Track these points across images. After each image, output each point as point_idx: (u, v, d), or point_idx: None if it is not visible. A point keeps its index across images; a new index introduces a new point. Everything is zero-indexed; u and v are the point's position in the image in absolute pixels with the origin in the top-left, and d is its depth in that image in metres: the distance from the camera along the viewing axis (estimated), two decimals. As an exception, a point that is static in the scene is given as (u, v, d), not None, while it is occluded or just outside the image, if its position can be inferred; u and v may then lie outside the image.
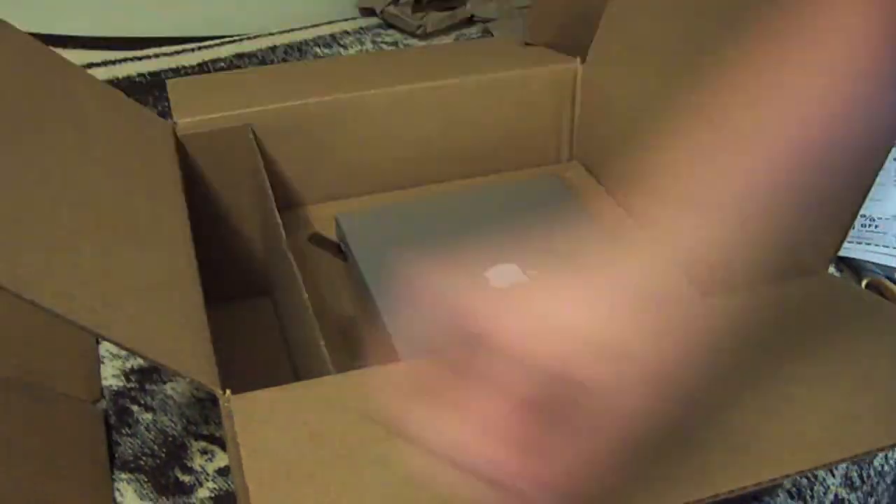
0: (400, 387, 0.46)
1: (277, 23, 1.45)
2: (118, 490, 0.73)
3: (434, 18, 1.44)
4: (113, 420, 0.79)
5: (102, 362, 0.84)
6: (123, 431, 0.78)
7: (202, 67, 1.34)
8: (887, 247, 0.94)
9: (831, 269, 0.66)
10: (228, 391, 0.50)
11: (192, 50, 1.38)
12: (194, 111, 0.80)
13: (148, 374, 0.83)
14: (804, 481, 0.76)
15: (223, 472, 0.75)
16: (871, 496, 0.77)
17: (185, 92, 0.84)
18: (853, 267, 0.95)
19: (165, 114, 0.79)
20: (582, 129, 0.92)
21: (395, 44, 1.43)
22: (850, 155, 0.52)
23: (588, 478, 0.39)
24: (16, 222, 0.50)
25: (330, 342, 0.57)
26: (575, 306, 0.42)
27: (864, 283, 0.90)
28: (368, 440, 0.48)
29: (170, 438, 0.78)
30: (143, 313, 0.51)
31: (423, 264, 0.55)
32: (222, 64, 1.35)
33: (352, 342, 0.74)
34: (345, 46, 1.42)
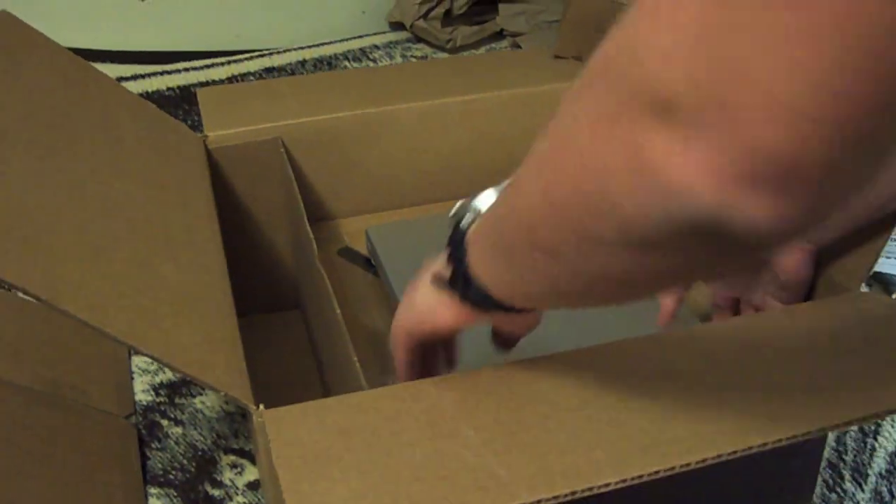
0: None
1: (307, 37, 1.46)
2: (148, 504, 0.73)
3: (463, 32, 1.45)
4: (143, 434, 0.78)
5: (132, 378, 0.84)
6: (153, 446, 0.78)
7: (231, 81, 1.34)
8: (919, 262, 0.93)
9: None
10: (262, 406, 0.49)
11: (222, 64, 1.39)
12: (225, 124, 0.80)
13: (177, 388, 0.83)
14: (833, 496, 0.75)
15: (253, 486, 0.75)
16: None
17: (215, 102, 0.84)
18: (882, 281, 0.94)
19: (195, 127, 0.79)
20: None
21: (424, 58, 1.43)
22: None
23: None
24: (51, 234, 0.51)
25: (360, 356, 0.57)
26: None
27: (893, 297, 0.89)
28: (399, 430, 0.47)
29: (199, 452, 0.78)
30: (176, 327, 0.51)
31: None
32: (252, 78, 1.35)
33: (382, 357, 0.73)
34: (374, 60, 1.42)
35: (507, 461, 0.45)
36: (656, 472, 0.44)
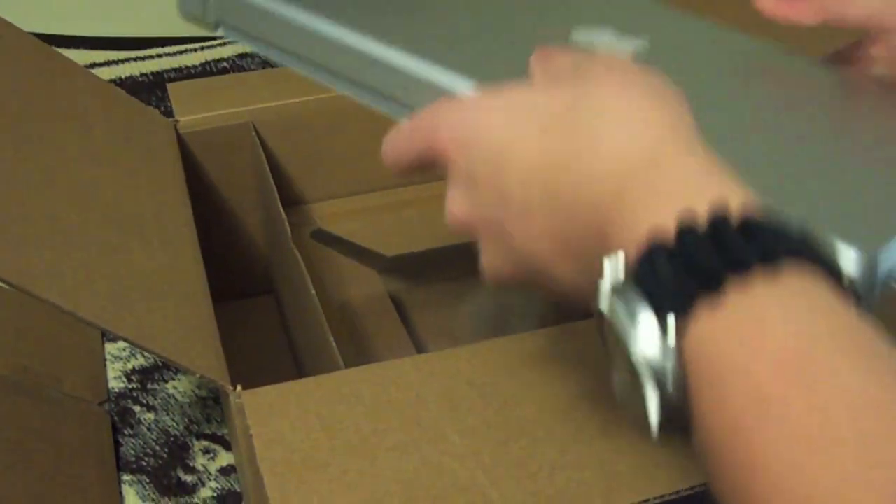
0: None
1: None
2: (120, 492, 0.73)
3: (435, 18, 1.44)
4: (115, 421, 0.78)
5: (105, 365, 0.83)
6: (126, 432, 0.77)
7: (205, 67, 1.33)
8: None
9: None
10: (239, 387, 0.49)
11: (195, 50, 1.38)
12: (196, 109, 0.80)
13: (149, 374, 0.83)
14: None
15: (226, 471, 0.75)
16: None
17: (186, 93, 0.84)
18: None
19: (168, 114, 0.79)
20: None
21: (396, 44, 1.43)
22: None
23: None
24: (24, 221, 0.50)
25: (335, 337, 0.57)
26: None
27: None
28: (383, 430, 0.47)
29: (172, 438, 0.77)
30: (151, 310, 0.51)
31: None
32: (225, 64, 1.35)
33: (357, 338, 0.74)
34: (346, 46, 1.41)
35: (497, 480, 0.45)
36: (646, 501, 0.45)
